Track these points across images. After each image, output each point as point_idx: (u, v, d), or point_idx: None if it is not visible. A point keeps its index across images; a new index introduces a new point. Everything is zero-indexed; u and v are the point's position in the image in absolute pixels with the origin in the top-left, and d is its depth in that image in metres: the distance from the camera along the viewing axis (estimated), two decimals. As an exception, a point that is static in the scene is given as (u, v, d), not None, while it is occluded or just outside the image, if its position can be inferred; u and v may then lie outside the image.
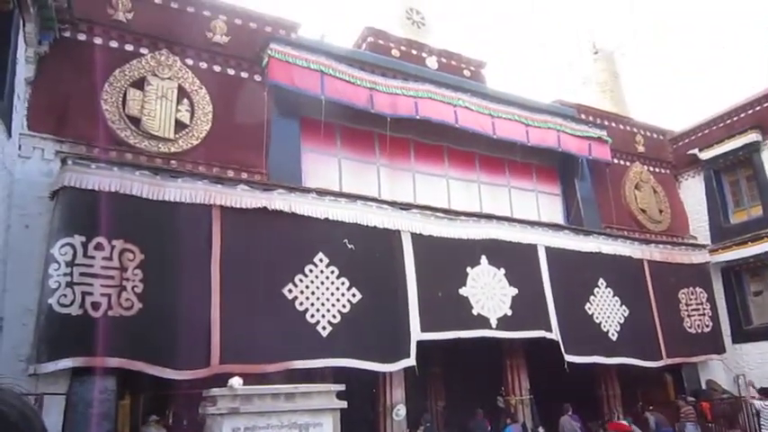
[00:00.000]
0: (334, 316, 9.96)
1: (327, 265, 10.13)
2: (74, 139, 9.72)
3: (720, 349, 15.58)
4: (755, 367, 15.66)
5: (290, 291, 9.74)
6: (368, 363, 10.10)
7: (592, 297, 13.26)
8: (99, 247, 8.49)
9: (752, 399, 12.94)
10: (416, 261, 10.98)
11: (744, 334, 16.65)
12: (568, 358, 12.16)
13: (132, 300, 8.56)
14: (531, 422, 12.98)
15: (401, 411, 11.39)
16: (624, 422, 13.27)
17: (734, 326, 16.79)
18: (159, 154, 10.33)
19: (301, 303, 9.78)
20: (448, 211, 12.01)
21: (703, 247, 16.76)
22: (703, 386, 15.73)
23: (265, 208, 9.87)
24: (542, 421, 13.38)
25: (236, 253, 9.44)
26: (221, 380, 7.42)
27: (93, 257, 8.42)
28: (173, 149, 10.50)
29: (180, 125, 10.73)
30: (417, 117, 12.85)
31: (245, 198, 9.80)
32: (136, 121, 10.30)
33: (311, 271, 9.98)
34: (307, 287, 9.87)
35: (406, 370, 11.07)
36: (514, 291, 11.92)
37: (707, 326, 15.39)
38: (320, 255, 10.13)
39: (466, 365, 14.51)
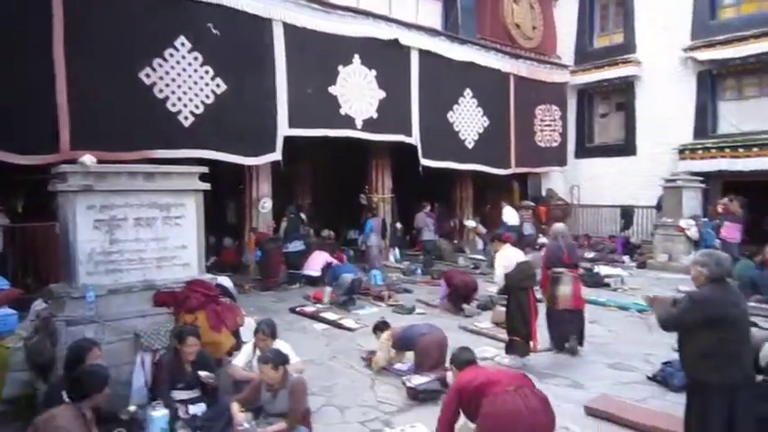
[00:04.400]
0: (197, 106, 9.53)
1: (190, 51, 9.41)
2: None
3: (563, 162, 17.28)
4: (588, 179, 17.69)
5: (148, 76, 9.05)
6: (232, 155, 10.02)
7: (455, 106, 13.78)
8: None
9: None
10: (287, 54, 10.51)
11: (585, 150, 18.51)
12: (424, 162, 12.92)
13: (-39, 76, 7.56)
14: (391, 218, 14.06)
15: (267, 204, 11.76)
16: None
17: (579, 143, 18.55)
18: None
19: (161, 90, 9.19)
20: (324, 3, 11.30)
21: (566, 67, 17.63)
22: (543, 193, 17.69)
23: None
24: (401, 218, 14.54)
25: (83, 30, 8.41)
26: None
27: None
28: None
29: None
30: None
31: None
32: None
33: (171, 56, 9.25)
34: (167, 73, 9.21)
35: (274, 165, 11.22)
36: (383, 94, 12.00)
37: (555, 141, 16.81)
38: (182, 38, 9.33)
39: (333, 164, 14.99)
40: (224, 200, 14.56)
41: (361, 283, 10.11)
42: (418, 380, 5.58)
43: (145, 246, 5.74)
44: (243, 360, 5.32)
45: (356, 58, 11.62)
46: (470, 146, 14.11)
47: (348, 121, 11.54)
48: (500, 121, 14.93)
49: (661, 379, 5.90)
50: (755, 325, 7.09)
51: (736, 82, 15.86)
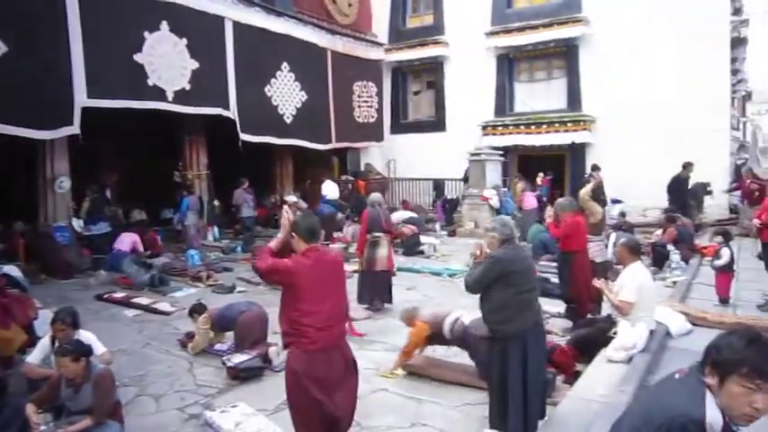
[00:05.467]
0: (-31, 70, 8.22)
1: (-45, 5, 8.06)
2: None
3: (380, 138, 17.89)
4: (403, 154, 18.56)
5: None
6: (18, 128, 8.80)
7: (273, 80, 13.50)
8: None
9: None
10: (83, 15, 9.39)
11: (400, 126, 19.40)
12: (243, 137, 12.53)
13: None
14: (208, 195, 13.49)
15: (65, 184, 10.60)
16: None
17: (394, 119, 19.39)
18: None
19: None
20: (123, -38, 10.32)
21: (381, 45, 18.17)
22: (362, 168, 18.22)
23: None
24: (218, 195, 14.03)
25: None
26: None
27: None
28: None
29: None
30: None
31: None
32: None
33: (-69, 9, 7.86)
34: (-73, 30, 7.81)
35: (72, 140, 10.09)
36: (195, 64, 11.34)
37: (372, 117, 17.32)
38: (-58, -10, 7.95)
39: (144, 139, 13.92)
40: (14, 179, 12.84)
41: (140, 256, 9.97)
42: (239, 358, 5.47)
43: None
44: (39, 356, 4.76)
45: (164, 25, 10.80)
46: (289, 121, 13.98)
47: (157, 93, 10.73)
48: (319, 96, 14.97)
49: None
50: (547, 281, 8.09)
51: (529, 66, 17.66)
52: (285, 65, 13.79)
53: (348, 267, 7.57)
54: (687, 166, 12.91)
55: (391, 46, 18.85)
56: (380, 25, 18.98)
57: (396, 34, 19.25)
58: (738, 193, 13.82)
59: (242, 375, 5.36)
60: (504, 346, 3.97)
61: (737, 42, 17.80)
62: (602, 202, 13.34)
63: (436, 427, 4.46)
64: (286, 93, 13.88)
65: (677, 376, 2.07)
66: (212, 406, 4.86)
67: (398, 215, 13.13)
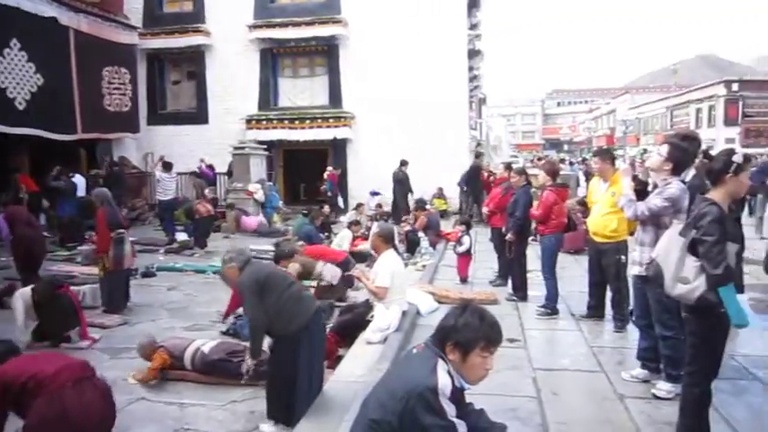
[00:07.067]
0: None
1: None
2: None
3: (135, 129, 16.65)
4: (163, 146, 17.41)
5: None
6: None
7: (0, 58, 11.65)
8: None
9: (156, 170, 14.68)
10: None
11: (158, 117, 18.25)
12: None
13: None
14: None
15: None
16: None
17: (151, 109, 18.14)
18: None
19: None
20: None
21: (134, 28, 16.84)
22: (116, 161, 16.67)
23: None
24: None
25: None
26: None
27: None
28: None
29: None
30: None
31: None
32: None
33: None
34: None
35: None
36: None
37: (126, 105, 16.01)
38: None
39: None
40: None
41: None
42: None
43: None
44: None
45: None
46: (22, 107, 12.17)
47: None
48: (60, 80, 13.30)
49: (233, 332, 6.34)
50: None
51: (292, 62, 17.94)
52: (15, 42, 11.96)
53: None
54: (479, 155, 14.74)
55: (146, 31, 17.56)
56: (133, 7, 17.53)
57: (151, 19, 17.96)
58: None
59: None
60: (291, 345, 4.08)
61: (474, 53, 20.35)
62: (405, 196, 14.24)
63: (200, 430, 4.31)
64: (17, 74, 12.04)
65: (414, 351, 2.32)
66: None
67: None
